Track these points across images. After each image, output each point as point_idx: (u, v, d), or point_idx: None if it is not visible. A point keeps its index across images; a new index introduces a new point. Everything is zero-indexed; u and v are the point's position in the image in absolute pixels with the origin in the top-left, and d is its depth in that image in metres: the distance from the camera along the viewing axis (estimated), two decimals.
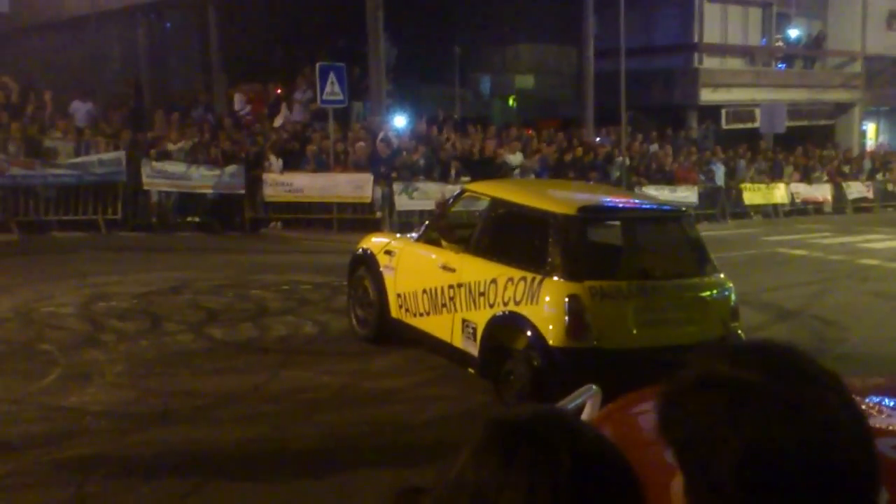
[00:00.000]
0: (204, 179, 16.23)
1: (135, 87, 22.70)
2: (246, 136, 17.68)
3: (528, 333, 6.13)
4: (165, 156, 16.05)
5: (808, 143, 25.96)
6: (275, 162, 16.72)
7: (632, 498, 1.03)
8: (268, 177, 16.54)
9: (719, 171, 21.47)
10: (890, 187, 25.19)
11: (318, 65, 16.92)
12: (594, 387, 2.97)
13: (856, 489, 1.00)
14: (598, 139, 22.17)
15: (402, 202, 16.74)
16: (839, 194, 23.82)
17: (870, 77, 30.87)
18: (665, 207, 7.85)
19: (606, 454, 1.04)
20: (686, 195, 19.68)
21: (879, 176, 25.29)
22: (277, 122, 19.36)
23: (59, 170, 15.25)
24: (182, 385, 6.82)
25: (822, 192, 23.56)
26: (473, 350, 6.65)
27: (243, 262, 12.87)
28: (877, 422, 2.91)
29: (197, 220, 16.56)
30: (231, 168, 16.38)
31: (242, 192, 16.47)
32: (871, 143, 31.98)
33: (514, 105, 29.64)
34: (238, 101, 20.65)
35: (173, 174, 15.97)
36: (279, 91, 21.38)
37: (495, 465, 1.01)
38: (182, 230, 16.14)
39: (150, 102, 21.24)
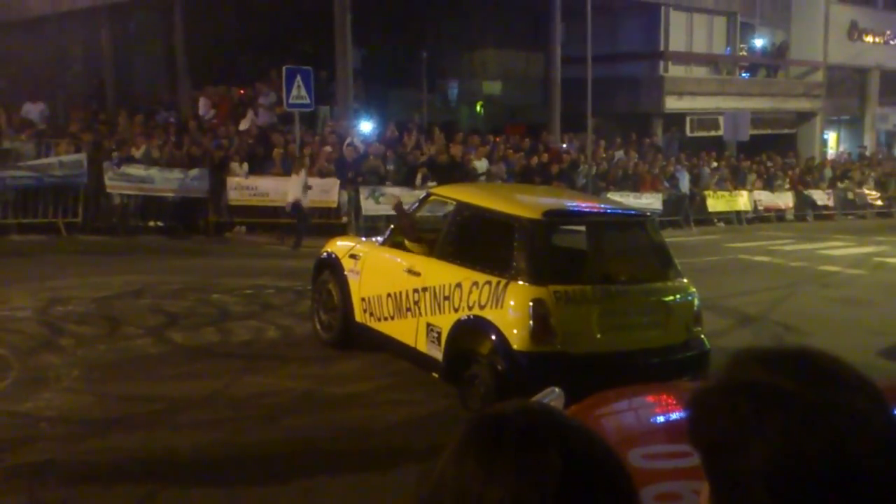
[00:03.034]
0: (167, 182, 16.02)
1: (97, 89, 22.37)
2: (211, 140, 17.49)
3: (493, 338, 6.10)
4: (128, 159, 15.81)
5: (770, 151, 26.30)
6: (239, 166, 16.56)
7: (625, 500, 0.97)
8: (232, 180, 16.38)
9: (683, 179, 21.66)
10: (850, 195, 25.60)
11: (284, 68, 16.80)
12: (557, 389, 2.94)
13: (889, 495, 0.95)
14: (563, 145, 22.27)
15: (369, 207, 16.67)
16: (801, 202, 24.15)
17: (831, 86, 31.39)
18: (630, 212, 7.87)
19: (599, 454, 0.98)
20: (650, 202, 19.83)
21: (840, 184, 25.69)
22: (243, 125, 19.19)
23: (18, 171, 14.96)
24: (140, 390, 6.69)
25: (783, 199, 23.88)
26: (438, 354, 6.61)
27: (206, 266, 12.71)
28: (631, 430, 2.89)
29: (159, 223, 16.34)
30: (195, 171, 16.20)
31: (206, 195, 16.29)
32: (831, 152, 32.49)
33: (482, 111, 29.70)
34: (203, 105, 20.43)
35: (136, 177, 15.74)
36: (242, 92, 21.18)
37: (477, 462, 0.93)
38: (144, 234, 15.92)
39: (113, 104, 20.94)
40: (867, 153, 30.61)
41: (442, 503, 0.94)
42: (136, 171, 15.72)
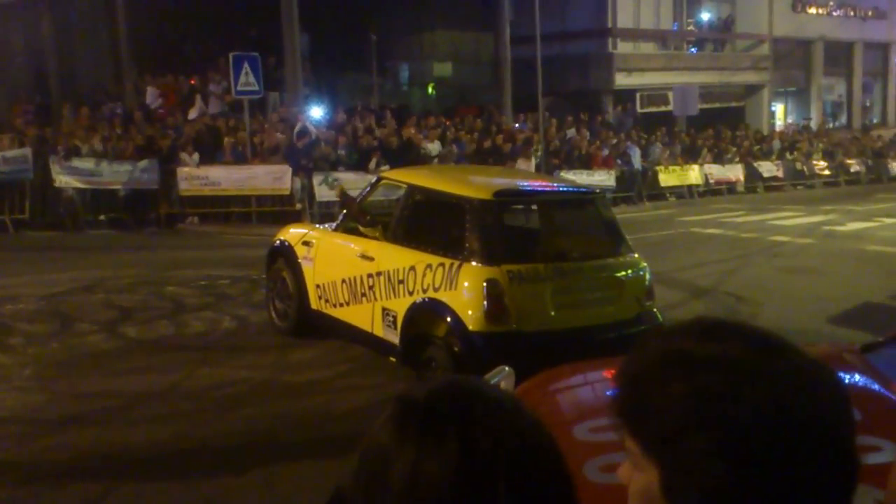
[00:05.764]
0: (116, 175, 15.76)
1: (40, 81, 21.87)
2: (159, 130, 17.22)
3: (448, 319, 6.12)
4: (75, 152, 15.53)
5: (719, 124, 26.63)
6: (189, 156, 16.33)
7: (534, 487, 1.00)
8: (182, 171, 16.15)
9: (635, 155, 21.85)
10: (799, 166, 26.05)
11: (231, 55, 16.59)
12: (507, 368, 2.96)
13: (835, 454, 0.97)
14: (516, 125, 22.32)
15: (322, 193, 16.57)
16: (751, 174, 24.52)
17: (777, 59, 31.84)
18: (580, 189, 7.93)
19: (509, 440, 1.00)
20: (603, 179, 19.98)
21: (788, 155, 26.11)
22: (192, 114, 18.92)
23: None
24: (94, 386, 6.61)
25: (734, 172, 24.22)
26: (394, 338, 6.61)
27: (159, 258, 12.55)
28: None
29: (111, 215, 16.07)
30: (144, 163, 15.94)
31: (156, 187, 16.05)
32: (779, 124, 33.01)
33: (434, 93, 29.62)
34: (150, 94, 20.10)
35: (84, 170, 15.47)
36: (192, 82, 20.89)
37: (390, 436, 1.02)
38: (94, 228, 15.66)
39: (56, 96, 20.50)
40: (812, 125, 31.13)
41: (370, 464, 1.02)
42: (84, 164, 15.44)
